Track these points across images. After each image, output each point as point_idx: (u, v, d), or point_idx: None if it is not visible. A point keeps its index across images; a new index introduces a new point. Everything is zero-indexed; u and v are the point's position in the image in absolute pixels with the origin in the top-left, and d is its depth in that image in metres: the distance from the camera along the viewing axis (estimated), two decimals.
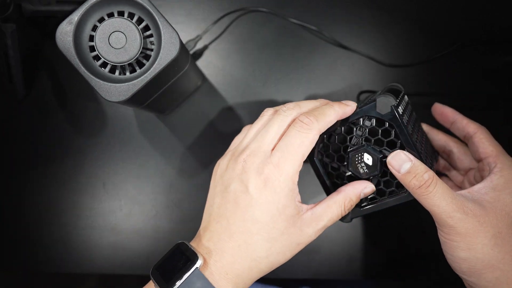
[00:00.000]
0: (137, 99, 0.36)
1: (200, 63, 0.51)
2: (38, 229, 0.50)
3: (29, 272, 0.52)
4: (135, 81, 0.34)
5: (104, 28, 0.33)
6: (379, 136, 0.33)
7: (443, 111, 0.40)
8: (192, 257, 0.29)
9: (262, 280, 0.51)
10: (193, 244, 0.31)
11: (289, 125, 0.31)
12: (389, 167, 0.32)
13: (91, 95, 0.51)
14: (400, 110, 0.32)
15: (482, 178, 0.33)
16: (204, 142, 0.51)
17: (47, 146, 0.51)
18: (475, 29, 0.51)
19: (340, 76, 0.51)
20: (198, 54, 0.51)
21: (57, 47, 0.34)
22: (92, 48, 0.34)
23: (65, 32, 0.34)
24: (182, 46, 0.35)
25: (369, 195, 0.34)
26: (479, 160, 0.35)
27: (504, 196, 0.31)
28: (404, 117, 0.32)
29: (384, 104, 0.32)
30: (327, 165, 0.36)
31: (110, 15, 0.34)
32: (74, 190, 0.51)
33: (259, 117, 0.34)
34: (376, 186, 0.34)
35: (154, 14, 0.34)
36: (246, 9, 0.50)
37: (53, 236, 0.50)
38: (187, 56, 0.39)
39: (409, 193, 0.32)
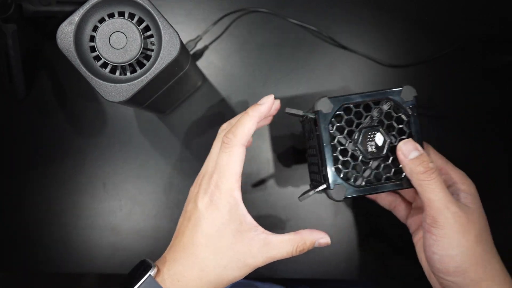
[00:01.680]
0: (137, 99, 0.36)
1: (200, 63, 0.51)
2: (38, 229, 0.51)
3: (29, 272, 0.52)
4: (135, 81, 0.34)
5: (105, 28, 0.33)
6: (393, 121, 0.35)
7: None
8: (147, 266, 0.33)
9: (260, 278, 0.51)
10: (157, 261, 0.35)
11: None
12: (398, 152, 0.34)
13: (91, 95, 0.51)
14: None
15: (448, 183, 0.37)
16: (204, 142, 0.51)
17: (47, 146, 0.51)
18: (475, 29, 0.51)
19: (340, 76, 0.51)
20: (198, 54, 0.51)
21: (58, 48, 0.34)
22: (93, 49, 0.34)
23: (65, 32, 0.34)
24: (183, 46, 0.35)
25: (367, 178, 0.36)
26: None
27: (476, 201, 0.35)
28: (417, 111, 0.35)
29: (409, 92, 0.34)
30: (334, 137, 0.36)
31: (111, 15, 0.34)
32: (74, 190, 0.51)
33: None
34: (376, 169, 0.36)
35: (155, 15, 0.34)
36: (246, 9, 0.50)
37: (53, 236, 0.50)
38: (188, 56, 0.39)
39: (404, 182, 0.35)
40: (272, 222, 0.51)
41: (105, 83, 0.34)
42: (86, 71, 0.34)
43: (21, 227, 0.51)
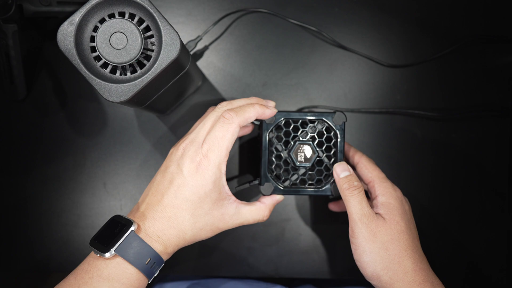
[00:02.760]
0: (138, 100, 0.36)
1: (201, 63, 0.51)
2: (39, 229, 0.51)
3: (29, 272, 0.52)
4: (136, 81, 0.34)
5: (105, 29, 0.33)
6: (323, 139, 0.42)
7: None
8: (127, 223, 0.35)
9: (262, 278, 0.51)
10: (127, 214, 0.37)
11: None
12: (334, 171, 0.40)
13: (91, 95, 0.51)
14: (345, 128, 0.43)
15: (373, 196, 0.41)
16: None
17: (48, 146, 0.51)
18: (475, 29, 0.51)
19: (340, 77, 0.51)
20: (199, 54, 0.51)
21: (58, 48, 0.34)
22: (93, 49, 0.34)
23: (66, 33, 0.34)
24: (183, 46, 0.35)
25: (293, 181, 0.42)
26: (366, 183, 0.42)
27: (392, 211, 0.39)
28: (344, 134, 0.42)
29: (340, 118, 0.41)
30: (273, 144, 0.42)
31: (111, 16, 0.34)
32: (75, 190, 0.51)
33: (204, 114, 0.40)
34: (302, 175, 0.42)
35: (155, 15, 0.34)
36: (246, 9, 0.51)
37: (54, 236, 0.51)
38: (188, 56, 0.39)
39: (325, 189, 0.42)
40: (272, 221, 0.51)
41: (106, 83, 0.34)
42: (87, 72, 0.34)
43: (21, 227, 0.51)
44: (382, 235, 0.37)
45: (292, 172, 0.42)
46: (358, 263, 0.39)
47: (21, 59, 0.47)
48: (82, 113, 0.51)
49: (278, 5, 0.51)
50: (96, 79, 0.34)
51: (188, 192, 0.36)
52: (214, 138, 0.36)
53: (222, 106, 0.39)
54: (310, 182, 0.43)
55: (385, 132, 0.51)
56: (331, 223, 0.51)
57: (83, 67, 0.34)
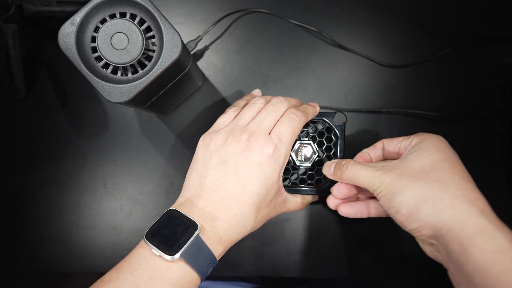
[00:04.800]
0: (139, 100, 0.36)
1: (201, 63, 0.51)
2: (39, 229, 0.51)
3: (29, 272, 0.52)
4: (137, 82, 0.34)
5: (106, 29, 0.33)
6: (323, 139, 0.42)
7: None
8: (190, 223, 0.32)
9: (262, 277, 0.51)
10: (184, 210, 0.33)
11: (281, 116, 0.37)
12: (325, 173, 0.39)
13: (92, 95, 0.51)
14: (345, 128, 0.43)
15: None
16: None
17: (48, 146, 0.51)
18: (475, 29, 0.51)
19: (340, 77, 0.51)
20: (199, 54, 0.51)
21: (58, 48, 0.34)
22: (94, 49, 0.34)
23: (67, 33, 0.34)
24: (184, 47, 0.35)
25: (293, 180, 0.42)
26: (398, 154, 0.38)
27: (425, 146, 0.34)
28: (344, 134, 0.42)
29: (340, 118, 0.42)
30: None
31: (112, 16, 0.34)
32: (75, 190, 0.51)
33: (250, 104, 0.38)
34: (302, 175, 0.42)
35: (156, 16, 0.34)
36: (247, 10, 0.50)
37: (54, 236, 0.51)
38: (189, 56, 0.39)
39: (323, 189, 0.42)
40: (272, 221, 0.51)
41: (107, 83, 0.34)
42: (88, 72, 0.34)
43: (21, 227, 0.51)
44: (409, 170, 0.32)
45: (292, 172, 0.43)
46: (393, 216, 0.33)
47: (21, 59, 0.47)
48: (82, 113, 0.51)
49: (278, 5, 0.51)
50: (97, 79, 0.34)
51: (257, 186, 0.34)
52: (285, 131, 0.36)
53: (281, 102, 0.38)
54: (309, 181, 0.43)
55: (385, 132, 0.51)
56: (331, 223, 0.51)
57: (84, 68, 0.34)
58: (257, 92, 0.44)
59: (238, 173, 0.34)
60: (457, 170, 0.33)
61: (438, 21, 0.51)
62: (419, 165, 0.33)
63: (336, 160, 0.39)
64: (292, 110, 0.37)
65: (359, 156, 0.41)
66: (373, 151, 0.40)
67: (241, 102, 0.41)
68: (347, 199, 0.39)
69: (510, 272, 0.27)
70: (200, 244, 0.32)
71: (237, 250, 0.50)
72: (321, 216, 0.51)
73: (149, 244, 0.31)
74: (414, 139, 0.36)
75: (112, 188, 0.51)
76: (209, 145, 0.36)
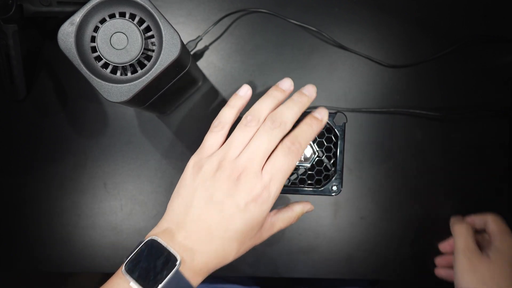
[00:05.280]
0: (138, 100, 0.36)
1: (201, 63, 0.51)
2: (39, 229, 0.51)
3: (30, 272, 0.52)
4: (136, 81, 0.34)
5: (106, 29, 0.33)
6: (323, 140, 0.42)
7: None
8: (170, 256, 0.31)
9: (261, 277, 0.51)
10: (165, 239, 0.32)
11: (277, 145, 0.34)
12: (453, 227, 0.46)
13: (92, 95, 0.51)
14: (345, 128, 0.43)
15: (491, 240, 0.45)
16: None
17: (48, 146, 0.51)
18: (475, 29, 0.51)
19: (340, 77, 0.51)
20: (199, 54, 0.51)
21: (58, 48, 0.34)
22: (94, 49, 0.35)
23: (67, 33, 0.34)
24: (183, 47, 0.35)
25: (293, 180, 0.42)
26: (489, 233, 0.46)
27: (502, 256, 0.43)
28: (344, 135, 0.42)
29: (340, 119, 0.42)
30: None
31: (112, 16, 0.34)
32: (75, 190, 0.51)
33: (242, 126, 0.34)
34: (302, 175, 0.42)
35: (155, 15, 0.34)
36: (247, 10, 0.51)
37: (54, 236, 0.51)
38: (188, 56, 0.39)
39: (324, 189, 0.42)
40: None
41: (106, 83, 0.34)
42: (87, 72, 0.34)
43: (22, 227, 0.51)
44: (483, 270, 0.42)
45: (291, 171, 0.43)
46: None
47: (21, 59, 0.47)
48: (82, 113, 0.51)
49: (278, 5, 0.51)
50: (97, 79, 0.34)
51: (241, 225, 0.33)
52: (279, 170, 0.33)
53: (276, 128, 0.34)
54: (309, 181, 0.43)
55: (385, 132, 0.51)
56: (331, 223, 0.51)
57: (84, 67, 0.34)
58: (244, 91, 0.37)
59: (223, 210, 0.32)
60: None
61: (438, 21, 0.51)
62: (492, 272, 0.42)
63: (467, 220, 0.47)
64: (289, 141, 0.34)
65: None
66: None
67: (227, 115, 0.36)
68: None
69: None
70: (179, 279, 0.31)
71: None
72: (321, 217, 0.51)
73: (128, 276, 0.31)
74: (497, 242, 0.44)
75: (112, 188, 0.51)
76: (197, 174, 0.34)
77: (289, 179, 0.42)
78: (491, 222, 0.46)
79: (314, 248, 0.51)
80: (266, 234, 0.36)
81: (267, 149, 0.33)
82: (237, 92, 0.37)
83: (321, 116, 0.36)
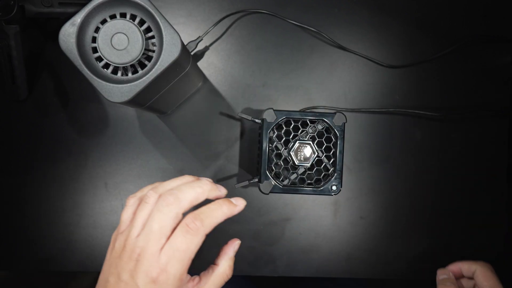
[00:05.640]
0: (139, 100, 0.37)
1: (201, 63, 0.51)
2: (40, 228, 0.51)
3: (31, 271, 0.52)
4: (137, 82, 0.34)
5: (107, 29, 0.34)
6: (322, 140, 0.42)
7: (449, 270, 0.49)
8: None
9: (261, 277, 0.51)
10: None
11: (174, 224, 0.32)
12: (438, 274, 0.47)
13: (93, 95, 0.51)
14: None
15: None
16: (204, 142, 0.51)
17: (49, 146, 0.51)
18: (474, 29, 0.51)
19: (340, 77, 0.51)
20: (199, 55, 0.51)
21: (60, 48, 0.34)
22: (95, 50, 0.35)
23: (68, 33, 0.34)
24: (184, 47, 0.36)
25: (293, 180, 0.42)
26: None
27: None
28: (344, 135, 0.43)
29: (340, 119, 0.42)
30: (273, 142, 0.43)
31: (113, 16, 0.35)
32: (76, 190, 0.51)
33: (142, 202, 0.34)
34: (301, 175, 0.43)
35: (156, 16, 0.34)
36: (247, 10, 0.51)
37: (55, 235, 0.51)
38: (188, 57, 0.39)
39: (324, 189, 0.42)
40: (272, 221, 0.51)
41: (107, 83, 0.34)
42: (88, 72, 0.34)
43: (23, 226, 0.51)
44: None
45: (291, 171, 0.43)
46: None
47: (23, 60, 0.47)
48: (83, 113, 0.51)
49: (278, 6, 0.51)
50: (98, 79, 0.34)
51: None
52: (176, 250, 0.31)
53: (169, 205, 0.32)
54: (309, 181, 0.43)
55: (384, 132, 0.51)
56: (331, 223, 0.51)
57: (85, 68, 0.34)
58: (241, 203, 0.35)
59: None
60: None
61: (438, 21, 0.52)
62: None
63: (449, 276, 0.47)
64: (188, 219, 0.32)
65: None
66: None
67: (144, 189, 0.36)
68: None
69: None
70: None
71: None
72: (321, 216, 0.51)
73: None
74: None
75: (113, 187, 0.51)
76: (112, 251, 0.34)
77: (289, 178, 0.43)
78: (479, 273, 0.45)
79: (314, 248, 0.51)
80: None
81: (161, 229, 0.32)
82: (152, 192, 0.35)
83: (238, 203, 0.35)
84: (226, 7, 0.51)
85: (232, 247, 0.36)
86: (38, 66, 0.51)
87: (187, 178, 0.35)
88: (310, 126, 0.43)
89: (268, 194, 0.42)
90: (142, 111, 0.51)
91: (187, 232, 0.32)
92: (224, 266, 0.35)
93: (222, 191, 0.36)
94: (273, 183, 0.42)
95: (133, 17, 0.35)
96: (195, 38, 0.48)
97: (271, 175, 0.42)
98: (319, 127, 0.43)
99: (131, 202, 0.35)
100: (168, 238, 0.32)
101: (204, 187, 0.34)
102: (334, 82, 0.51)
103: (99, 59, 0.35)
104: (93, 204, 0.51)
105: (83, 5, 0.34)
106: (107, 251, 0.34)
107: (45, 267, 0.51)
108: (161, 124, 0.51)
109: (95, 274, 0.32)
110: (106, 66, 0.35)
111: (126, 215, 0.35)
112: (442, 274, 0.47)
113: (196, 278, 0.34)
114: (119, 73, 0.35)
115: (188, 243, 0.32)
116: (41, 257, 0.51)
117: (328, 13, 0.51)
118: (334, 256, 0.51)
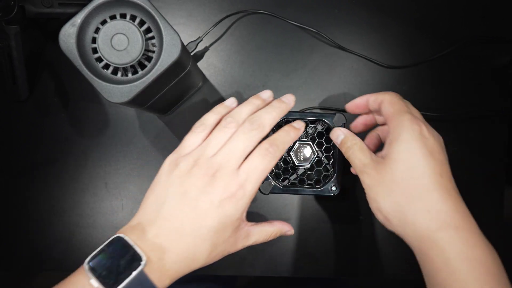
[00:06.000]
0: (139, 100, 0.37)
1: (201, 64, 0.52)
2: (40, 228, 0.51)
3: (31, 271, 0.52)
4: (137, 82, 0.34)
5: (107, 30, 0.34)
6: (322, 140, 0.42)
7: (355, 103, 0.40)
8: (135, 256, 0.30)
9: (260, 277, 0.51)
10: (133, 237, 0.31)
11: (254, 148, 0.34)
12: (332, 138, 0.39)
13: (93, 96, 0.51)
14: None
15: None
16: None
17: (50, 147, 0.51)
18: (474, 30, 0.51)
19: (340, 77, 0.51)
20: (199, 55, 0.51)
21: (60, 49, 0.34)
22: (95, 50, 0.35)
23: (68, 34, 0.34)
24: (184, 48, 0.36)
25: (292, 180, 0.42)
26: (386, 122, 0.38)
27: (397, 147, 0.34)
28: None
29: (340, 119, 0.42)
30: None
31: (113, 17, 0.35)
32: (76, 190, 0.51)
33: (220, 127, 0.35)
34: (301, 175, 0.43)
35: (156, 17, 0.34)
36: (246, 11, 0.51)
37: (55, 235, 0.51)
38: (188, 57, 0.40)
39: (324, 189, 0.42)
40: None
41: (107, 84, 0.34)
42: (88, 73, 0.34)
43: (23, 226, 0.51)
44: (386, 177, 0.34)
45: (291, 172, 0.43)
46: (374, 213, 0.36)
47: (23, 60, 0.47)
48: (83, 113, 0.51)
49: (278, 6, 0.51)
50: (98, 80, 0.34)
51: (215, 222, 0.32)
52: (255, 169, 0.33)
53: (254, 130, 0.34)
54: (309, 182, 0.43)
55: None
56: (331, 223, 0.51)
57: (85, 68, 0.34)
58: (231, 102, 0.38)
59: (196, 207, 0.32)
60: (427, 181, 0.33)
61: (437, 22, 0.52)
62: (392, 174, 0.34)
63: (346, 134, 0.38)
64: (267, 143, 0.34)
65: (369, 139, 0.41)
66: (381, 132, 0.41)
67: (210, 119, 0.37)
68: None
69: (449, 280, 0.32)
70: (143, 280, 0.29)
71: None
72: (321, 216, 0.51)
73: (89, 273, 0.30)
74: (390, 134, 0.35)
75: (113, 187, 0.51)
76: (173, 171, 0.34)
77: (288, 179, 0.43)
78: (385, 101, 0.37)
79: (314, 248, 0.51)
80: (240, 243, 0.35)
81: (244, 149, 0.34)
82: (224, 102, 0.38)
83: (299, 126, 0.37)
84: (226, 7, 0.51)
85: (287, 228, 0.39)
86: (39, 67, 0.51)
87: (255, 101, 0.37)
88: (310, 126, 0.43)
89: (268, 194, 0.42)
90: (142, 111, 0.51)
91: (266, 155, 0.34)
92: (274, 228, 0.37)
93: (291, 102, 0.38)
94: (272, 184, 0.42)
95: (133, 18, 0.35)
96: (195, 39, 0.48)
97: (271, 176, 0.42)
98: (319, 127, 0.43)
99: (200, 129, 0.36)
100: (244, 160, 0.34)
101: (277, 110, 0.36)
102: (334, 82, 0.51)
103: (99, 59, 0.35)
104: (93, 204, 0.51)
105: (83, 5, 0.34)
106: (159, 174, 0.34)
107: (45, 267, 0.51)
108: (161, 125, 0.51)
109: None
110: (106, 66, 0.35)
111: (192, 140, 0.36)
112: (338, 137, 0.39)
113: (248, 223, 0.36)
114: (119, 74, 0.35)
115: (266, 164, 0.33)
116: (41, 257, 0.51)
117: (328, 14, 0.51)
118: (334, 256, 0.51)
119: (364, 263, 0.51)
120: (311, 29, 0.50)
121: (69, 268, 0.51)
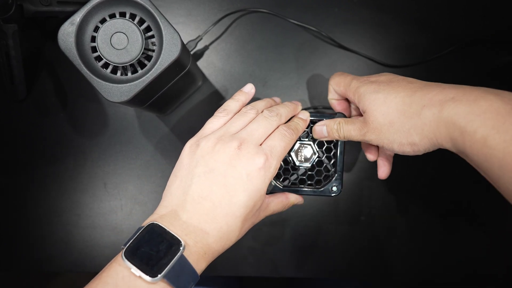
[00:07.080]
0: (138, 100, 0.37)
1: (201, 63, 0.51)
2: (39, 229, 0.51)
3: (30, 271, 0.52)
4: (136, 81, 0.34)
5: (106, 29, 0.33)
6: (323, 140, 0.42)
7: (334, 104, 0.43)
8: (174, 240, 0.30)
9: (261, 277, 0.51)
10: (166, 223, 0.31)
11: (273, 130, 0.36)
12: (317, 137, 0.40)
13: (92, 95, 0.51)
14: None
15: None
16: None
17: (48, 146, 0.51)
18: (475, 29, 0.51)
19: None
20: (199, 54, 0.51)
21: (59, 48, 0.34)
22: (94, 49, 0.35)
23: (67, 33, 0.34)
24: (184, 47, 0.36)
25: (293, 180, 0.42)
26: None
27: (365, 99, 0.36)
28: None
29: None
30: None
31: (112, 16, 0.35)
32: (75, 190, 0.51)
33: (242, 113, 0.37)
34: (302, 175, 0.42)
35: (156, 15, 0.34)
36: (247, 10, 0.51)
37: (54, 236, 0.51)
38: (188, 56, 0.39)
39: (324, 190, 0.42)
40: (272, 220, 0.51)
41: (106, 83, 0.34)
42: (88, 72, 0.34)
43: (22, 227, 0.51)
44: (379, 120, 0.35)
45: (291, 172, 0.43)
46: (404, 152, 0.38)
47: (21, 59, 0.47)
48: (82, 113, 0.51)
49: (278, 5, 0.51)
50: (97, 79, 0.34)
51: (245, 197, 0.32)
52: (278, 146, 0.35)
53: (274, 116, 0.36)
54: (309, 182, 0.43)
55: None
56: (331, 223, 0.51)
57: (84, 67, 0.34)
58: (249, 88, 0.40)
59: (225, 183, 0.32)
60: (403, 93, 0.35)
61: (438, 22, 0.52)
62: (382, 112, 0.35)
63: (324, 122, 0.39)
64: (284, 127, 0.37)
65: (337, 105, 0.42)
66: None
67: (231, 105, 0.38)
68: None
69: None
70: (184, 263, 0.29)
71: (237, 250, 0.50)
72: (321, 217, 0.51)
73: (128, 263, 0.29)
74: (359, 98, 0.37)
75: (112, 188, 0.51)
76: (195, 152, 0.33)
77: (289, 179, 0.42)
78: (336, 88, 0.40)
79: (314, 248, 0.51)
80: (263, 213, 0.37)
81: (265, 131, 0.35)
82: (242, 88, 0.40)
83: (305, 117, 0.40)
84: (226, 6, 0.51)
85: (299, 199, 0.41)
86: (37, 66, 0.51)
87: (269, 100, 0.40)
88: (311, 126, 0.43)
89: (268, 194, 0.42)
90: (141, 111, 0.51)
91: (285, 135, 0.36)
92: (288, 199, 0.39)
93: (299, 106, 0.41)
94: (273, 184, 0.42)
95: (132, 17, 0.35)
96: (195, 38, 0.48)
97: None
98: None
99: (222, 114, 0.37)
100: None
101: (291, 107, 0.39)
102: None
103: (99, 58, 0.35)
104: (92, 204, 0.51)
105: (82, 4, 0.34)
106: (181, 159, 0.34)
107: (44, 267, 0.51)
108: (161, 124, 0.51)
109: (94, 275, 0.32)
110: (106, 65, 0.35)
111: (215, 123, 0.37)
112: (321, 129, 0.40)
113: (268, 194, 0.38)
114: (119, 73, 0.35)
115: (285, 145, 0.35)
116: (41, 257, 0.51)
117: (328, 13, 0.51)
118: (335, 257, 0.51)
119: (365, 264, 0.51)
120: (312, 28, 0.50)
121: (68, 268, 0.51)
